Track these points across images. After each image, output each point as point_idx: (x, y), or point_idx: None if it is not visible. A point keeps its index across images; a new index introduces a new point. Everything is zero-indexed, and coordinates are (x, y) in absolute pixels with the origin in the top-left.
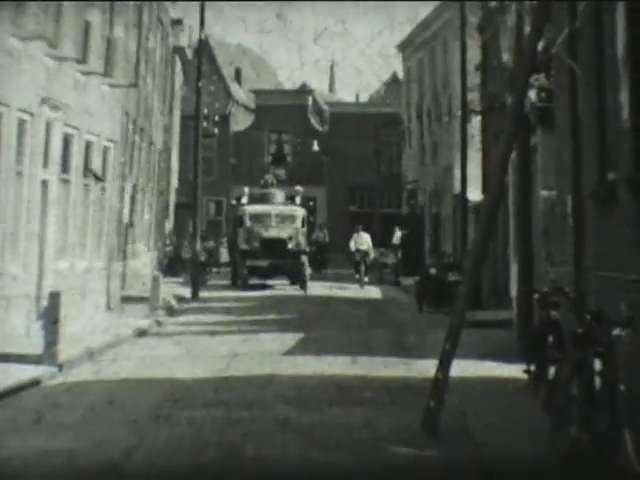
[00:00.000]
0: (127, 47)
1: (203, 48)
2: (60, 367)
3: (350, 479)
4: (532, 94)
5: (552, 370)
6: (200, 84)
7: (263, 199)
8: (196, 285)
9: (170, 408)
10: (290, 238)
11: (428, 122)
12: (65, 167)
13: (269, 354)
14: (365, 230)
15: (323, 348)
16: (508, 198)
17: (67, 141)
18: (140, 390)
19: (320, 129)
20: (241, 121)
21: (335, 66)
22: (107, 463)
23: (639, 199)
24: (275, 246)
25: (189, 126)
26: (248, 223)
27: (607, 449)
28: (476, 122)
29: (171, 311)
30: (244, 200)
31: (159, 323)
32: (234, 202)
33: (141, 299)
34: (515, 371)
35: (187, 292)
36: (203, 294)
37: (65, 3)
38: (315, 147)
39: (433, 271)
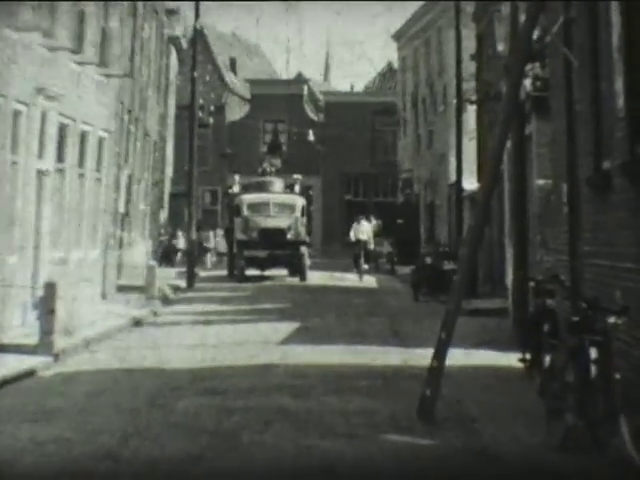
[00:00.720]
0: (122, 37)
1: (198, 38)
2: (56, 357)
3: (346, 467)
4: (527, 83)
5: (548, 358)
6: (195, 74)
7: (261, 187)
8: (191, 275)
9: (165, 397)
10: (289, 228)
11: (423, 111)
12: (60, 157)
13: (265, 343)
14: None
15: (319, 337)
16: (504, 187)
17: (62, 131)
18: (136, 379)
19: (315, 118)
20: (236, 111)
21: (330, 57)
22: (102, 451)
23: (634, 186)
24: (274, 236)
25: (184, 116)
26: (246, 212)
27: (602, 436)
28: (471, 111)
29: (167, 301)
30: (235, 189)
31: (155, 313)
32: (230, 191)
33: (137, 288)
34: (511, 359)
35: (182, 282)
36: (199, 284)
37: None
38: (310, 136)
39: (428, 260)
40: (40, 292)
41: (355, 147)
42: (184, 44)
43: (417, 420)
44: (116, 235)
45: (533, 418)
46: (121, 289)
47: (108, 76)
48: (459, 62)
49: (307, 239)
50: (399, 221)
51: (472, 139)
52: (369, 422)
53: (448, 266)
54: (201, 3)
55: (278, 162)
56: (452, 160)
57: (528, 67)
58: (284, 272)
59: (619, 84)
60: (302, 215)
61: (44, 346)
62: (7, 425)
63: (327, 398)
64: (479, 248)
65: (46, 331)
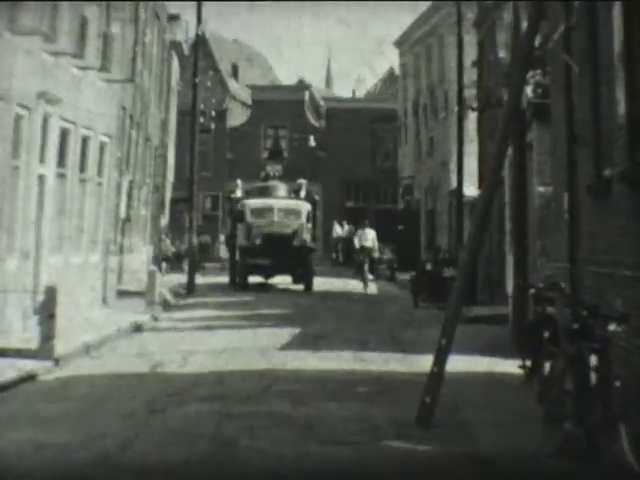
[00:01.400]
0: (124, 42)
1: (200, 44)
2: (56, 361)
3: (344, 472)
4: (528, 90)
5: (547, 365)
6: (197, 79)
7: (265, 192)
8: (192, 280)
9: (165, 402)
10: (295, 234)
11: (424, 118)
12: (62, 162)
13: (265, 349)
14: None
15: (319, 343)
16: (504, 194)
17: (64, 135)
18: (136, 384)
19: (317, 124)
20: (238, 116)
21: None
22: (102, 456)
23: (635, 193)
24: (278, 242)
25: (186, 121)
26: (249, 218)
27: (601, 442)
28: (472, 118)
29: (167, 306)
30: (238, 193)
31: (155, 318)
32: (232, 196)
33: (137, 294)
34: (511, 366)
35: (183, 287)
36: (200, 289)
37: None
38: (312, 142)
39: (429, 266)
40: (41, 297)
41: (356, 153)
42: (186, 50)
43: (416, 426)
44: (117, 240)
45: (532, 425)
46: (122, 294)
47: (110, 81)
48: (460, 69)
49: (313, 246)
50: (400, 227)
51: (473, 146)
52: (368, 428)
53: (448, 273)
54: (203, 9)
55: (279, 168)
56: (453, 167)
57: (529, 74)
58: (288, 279)
59: (620, 91)
60: (308, 221)
61: (44, 351)
62: (5, 429)
63: (327, 404)
64: (479, 254)
65: (46, 336)
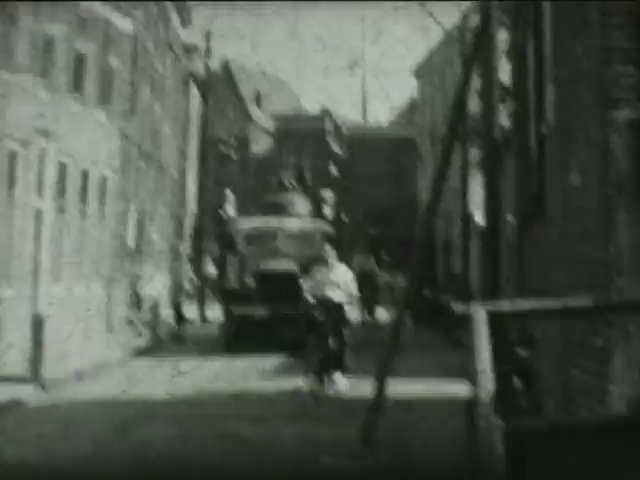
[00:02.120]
0: (125, 76)
1: (223, 72)
2: (44, 388)
3: None
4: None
5: None
6: (217, 109)
7: (272, 209)
8: (203, 308)
9: (134, 425)
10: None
11: (440, 146)
12: (61, 194)
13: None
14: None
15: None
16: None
17: (62, 169)
18: (113, 409)
19: (339, 152)
20: (261, 144)
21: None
22: (58, 471)
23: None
24: (281, 285)
25: (209, 149)
26: (241, 247)
27: None
28: None
29: (176, 337)
30: (229, 210)
31: (157, 347)
32: (221, 212)
33: (145, 323)
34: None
35: (194, 316)
36: (195, 337)
37: (57, 35)
38: (334, 170)
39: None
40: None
41: (378, 181)
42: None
43: (360, 444)
44: (124, 270)
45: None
46: (130, 322)
47: (110, 113)
48: (464, 98)
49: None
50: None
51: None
52: (316, 447)
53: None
54: (231, 40)
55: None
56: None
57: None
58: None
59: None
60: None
61: (33, 377)
62: None
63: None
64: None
65: (35, 362)
